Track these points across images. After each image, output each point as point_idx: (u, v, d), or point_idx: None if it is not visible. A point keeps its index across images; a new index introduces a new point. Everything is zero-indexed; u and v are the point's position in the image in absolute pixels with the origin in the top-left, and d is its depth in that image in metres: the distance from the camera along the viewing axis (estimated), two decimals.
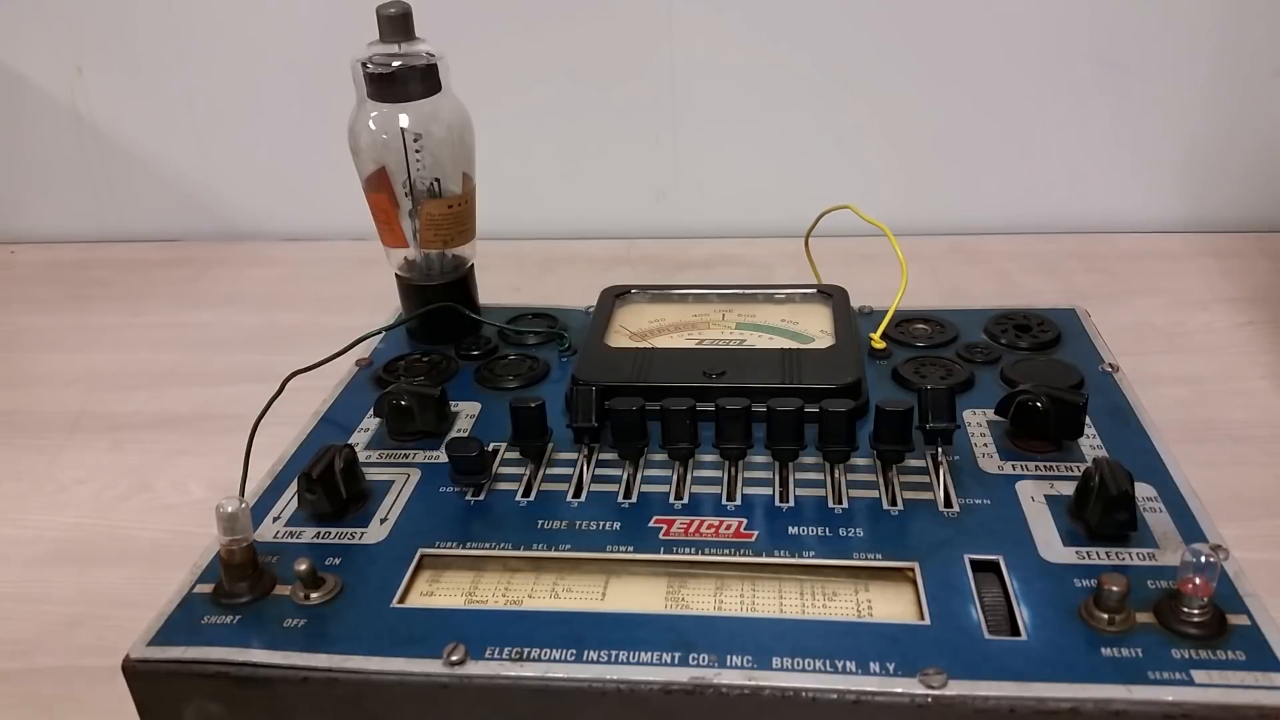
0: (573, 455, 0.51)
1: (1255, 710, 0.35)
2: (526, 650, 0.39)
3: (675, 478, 0.49)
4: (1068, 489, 0.47)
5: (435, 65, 0.59)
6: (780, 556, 0.44)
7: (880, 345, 0.61)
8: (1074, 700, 0.36)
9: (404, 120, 0.59)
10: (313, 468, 0.47)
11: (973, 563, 0.43)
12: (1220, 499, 0.49)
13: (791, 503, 0.47)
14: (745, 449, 0.49)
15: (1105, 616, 0.39)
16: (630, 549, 0.45)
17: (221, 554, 0.42)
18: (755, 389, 0.52)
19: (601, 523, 0.47)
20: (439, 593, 0.43)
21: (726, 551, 0.44)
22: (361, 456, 0.52)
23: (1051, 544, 0.44)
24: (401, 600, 0.43)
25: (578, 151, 1.02)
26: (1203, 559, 0.38)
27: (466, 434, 0.55)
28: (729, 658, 0.38)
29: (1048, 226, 0.99)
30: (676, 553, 0.44)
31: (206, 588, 0.43)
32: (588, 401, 0.51)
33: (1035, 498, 0.47)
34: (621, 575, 0.44)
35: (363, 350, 0.63)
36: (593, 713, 0.38)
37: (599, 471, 0.50)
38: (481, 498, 0.49)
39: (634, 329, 0.63)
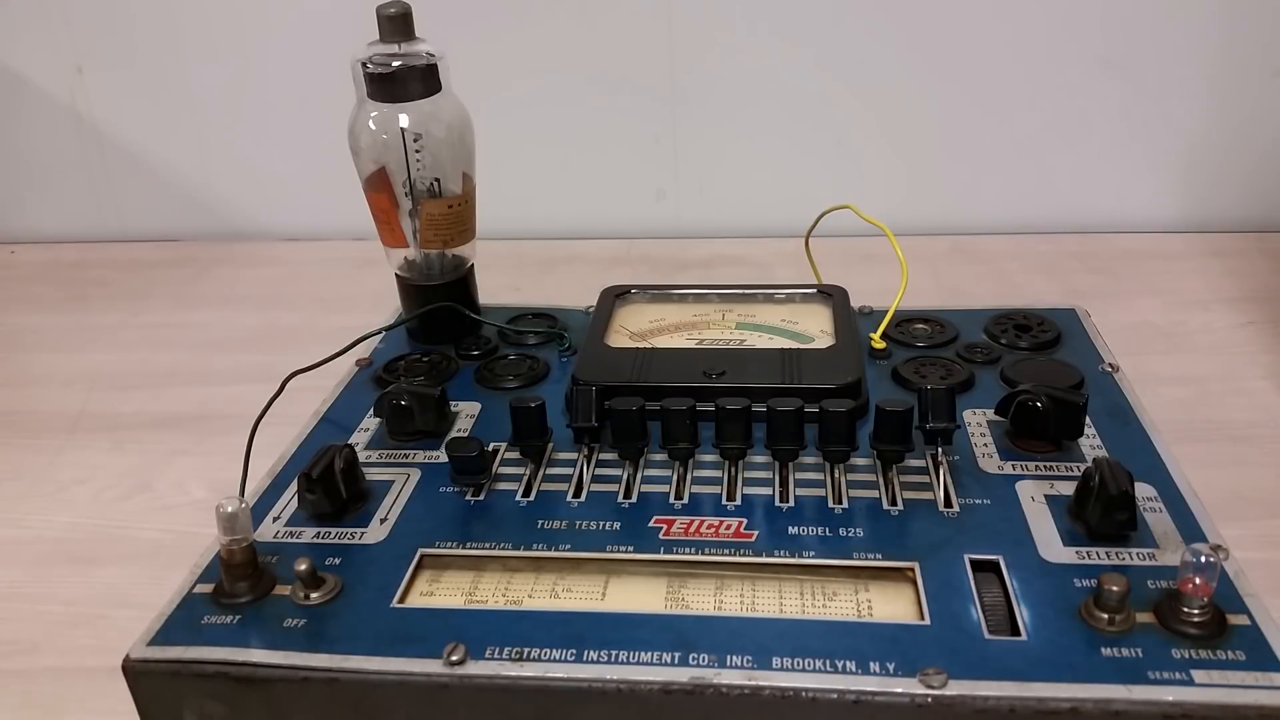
0: (573, 455, 0.51)
1: (1255, 710, 0.35)
2: (526, 650, 0.39)
3: (675, 478, 0.49)
4: (1068, 489, 0.47)
5: (435, 65, 0.59)
6: (780, 556, 0.44)
7: (880, 345, 0.61)
8: (1074, 700, 0.36)
9: (404, 120, 0.59)
10: (313, 468, 0.47)
11: (973, 563, 0.43)
12: (1220, 499, 0.49)
13: (791, 503, 0.47)
14: (745, 449, 0.49)
15: (1105, 616, 0.39)
16: (630, 549, 0.45)
17: (221, 554, 0.42)
18: (755, 389, 0.52)
19: (601, 523, 0.47)
20: (439, 593, 0.43)
21: (726, 551, 0.44)
22: (361, 456, 0.52)
23: (1051, 544, 0.44)
24: (401, 600, 0.43)
25: (578, 151, 1.02)
26: (1203, 559, 0.38)
27: (466, 434, 0.55)
28: (729, 658, 0.38)
29: (1048, 226, 0.99)
30: (676, 553, 0.44)
31: (206, 588, 0.43)
32: (588, 401, 0.51)
33: (1035, 498, 0.47)
34: (621, 575, 0.44)
35: (363, 350, 0.63)
36: (592, 713, 0.38)
37: (599, 471, 0.50)
38: (481, 498, 0.49)
39: (634, 329, 0.63)
